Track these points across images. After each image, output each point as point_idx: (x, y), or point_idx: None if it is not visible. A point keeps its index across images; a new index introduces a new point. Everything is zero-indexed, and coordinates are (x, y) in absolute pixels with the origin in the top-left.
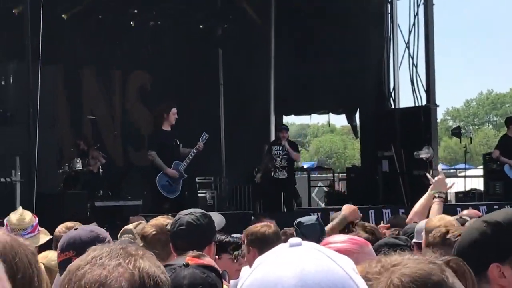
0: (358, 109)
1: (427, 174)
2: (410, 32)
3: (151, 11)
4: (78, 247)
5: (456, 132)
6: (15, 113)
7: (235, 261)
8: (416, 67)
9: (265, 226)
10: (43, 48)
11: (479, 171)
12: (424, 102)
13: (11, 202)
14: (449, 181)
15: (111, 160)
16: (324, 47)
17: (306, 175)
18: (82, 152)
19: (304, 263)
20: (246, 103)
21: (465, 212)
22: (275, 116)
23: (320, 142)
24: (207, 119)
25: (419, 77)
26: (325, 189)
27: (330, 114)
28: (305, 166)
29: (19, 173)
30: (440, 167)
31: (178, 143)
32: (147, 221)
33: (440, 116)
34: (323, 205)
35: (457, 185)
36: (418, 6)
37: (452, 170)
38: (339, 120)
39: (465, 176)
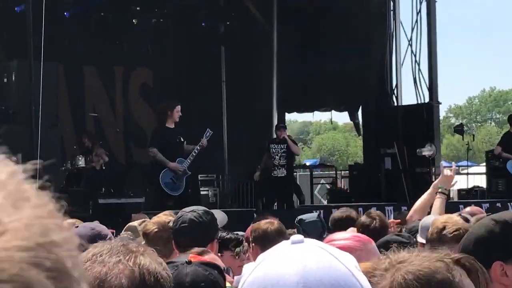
0: (361, 107)
1: (442, 163)
2: (412, 29)
3: (153, 8)
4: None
5: (459, 130)
6: (17, 110)
7: (236, 257)
8: (418, 64)
9: (268, 223)
10: (45, 45)
11: (482, 168)
12: (427, 100)
13: None
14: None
15: (113, 157)
16: (326, 44)
17: (309, 173)
18: (86, 149)
19: (306, 260)
20: (248, 101)
21: (467, 209)
22: (277, 113)
23: (323, 140)
24: (210, 116)
25: (422, 74)
26: (328, 186)
27: (333, 111)
28: (307, 164)
29: None
30: (454, 164)
31: (182, 140)
32: (150, 219)
33: (442, 113)
34: (325, 202)
35: (459, 182)
36: (420, 3)
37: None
38: (342, 118)
39: (467, 174)
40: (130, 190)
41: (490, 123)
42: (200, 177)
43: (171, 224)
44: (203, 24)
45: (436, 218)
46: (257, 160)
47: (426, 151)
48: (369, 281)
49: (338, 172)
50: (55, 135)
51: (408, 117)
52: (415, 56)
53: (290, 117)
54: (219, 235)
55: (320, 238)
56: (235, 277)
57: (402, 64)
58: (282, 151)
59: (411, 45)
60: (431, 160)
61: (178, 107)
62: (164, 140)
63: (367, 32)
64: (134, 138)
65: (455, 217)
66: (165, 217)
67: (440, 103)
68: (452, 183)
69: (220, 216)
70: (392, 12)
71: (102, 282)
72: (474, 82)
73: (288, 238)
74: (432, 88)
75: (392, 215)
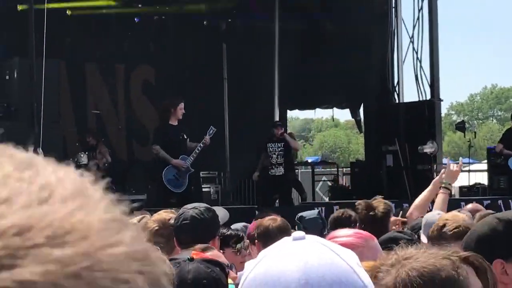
0: (362, 104)
1: (448, 159)
2: (414, 26)
3: (155, 5)
4: None
5: (460, 127)
6: (19, 108)
7: (238, 254)
8: (420, 61)
9: (270, 220)
10: (47, 43)
11: (483, 165)
12: (428, 97)
13: None
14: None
15: (115, 154)
16: (328, 41)
17: (310, 170)
18: (90, 147)
19: (307, 256)
20: (250, 98)
21: (468, 206)
22: (279, 110)
23: (324, 137)
24: (211, 113)
25: (423, 71)
26: (329, 183)
27: (334, 108)
28: (309, 161)
29: None
30: (461, 159)
31: (185, 137)
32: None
33: (444, 110)
34: (327, 199)
35: (461, 179)
36: (422, 0)
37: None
38: (343, 115)
39: (469, 171)
40: (132, 187)
41: (492, 120)
42: (202, 174)
43: (171, 221)
44: (204, 21)
45: (441, 216)
46: (257, 160)
47: (428, 148)
48: (375, 276)
49: (339, 169)
50: (57, 132)
51: (410, 114)
52: (416, 53)
53: (292, 114)
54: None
55: (321, 235)
56: (238, 273)
57: (403, 61)
58: (279, 149)
59: (412, 42)
60: (432, 157)
61: (182, 105)
62: (167, 137)
63: (369, 30)
64: (136, 136)
65: (460, 214)
66: (166, 214)
67: (442, 100)
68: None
69: (221, 213)
70: (393, 9)
71: None
72: (476, 79)
73: (290, 235)
74: (434, 85)
75: (393, 212)
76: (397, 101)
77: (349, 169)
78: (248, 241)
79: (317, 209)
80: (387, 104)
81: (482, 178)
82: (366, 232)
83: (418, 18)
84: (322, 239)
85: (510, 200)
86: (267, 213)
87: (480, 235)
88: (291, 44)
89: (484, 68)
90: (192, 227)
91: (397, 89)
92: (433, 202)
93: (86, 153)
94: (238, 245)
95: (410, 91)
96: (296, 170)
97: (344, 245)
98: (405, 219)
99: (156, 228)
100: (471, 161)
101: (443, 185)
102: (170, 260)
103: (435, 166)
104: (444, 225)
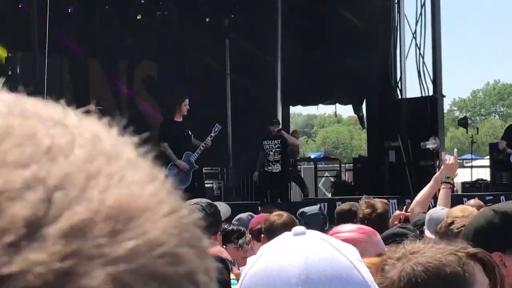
0: (365, 100)
1: (443, 153)
2: (417, 22)
3: (158, 1)
4: None
5: (463, 123)
6: None
7: (240, 249)
8: (423, 57)
9: (276, 215)
10: (49, 38)
11: (486, 161)
12: (431, 93)
13: None
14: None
15: None
16: (331, 37)
17: (313, 166)
18: None
19: (308, 252)
20: (253, 94)
21: (470, 202)
22: (281, 106)
23: (327, 133)
24: (214, 109)
25: (426, 67)
26: (332, 179)
27: (337, 104)
28: (311, 157)
29: None
30: (455, 150)
31: (190, 133)
32: None
33: (446, 106)
34: (329, 195)
35: (463, 175)
36: None
37: (458, 161)
38: (346, 111)
39: (471, 167)
40: None
41: (494, 116)
42: (205, 170)
43: None
44: (207, 17)
45: (451, 210)
46: (256, 158)
47: (430, 144)
48: (382, 268)
49: (342, 165)
50: None
51: (412, 110)
52: (419, 49)
53: (295, 110)
54: (221, 227)
55: (322, 230)
56: (240, 269)
57: (406, 57)
58: (276, 146)
59: (415, 38)
60: (435, 153)
61: (186, 100)
62: (172, 133)
63: (372, 25)
64: (139, 131)
65: (469, 208)
66: None
67: (444, 96)
68: (456, 172)
69: (223, 208)
70: (396, 5)
71: None
72: (478, 75)
73: None
74: (436, 81)
75: (396, 208)
76: (399, 97)
77: (351, 165)
78: (250, 236)
79: (319, 204)
80: (390, 100)
81: (485, 174)
82: (369, 227)
83: (420, 14)
84: (323, 234)
85: None
86: (270, 209)
87: (477, 228)
88: (294, 40)
89: (487, 64)
90: None
91: (399, 85)
92: (435, 197)
93: None
94: (240, 241)
95: (412, 87)
96: (299, 166)
97: (347, 240)
98: (408, 214)
99: None
100: (473, 157)
101: (443, 181)
102: None
103: (437, 162)
104: (452, 222)
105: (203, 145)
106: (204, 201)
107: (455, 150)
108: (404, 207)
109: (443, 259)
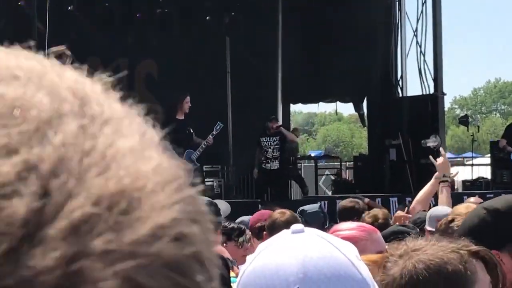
0: (366, 98)
1: (431, 157)
2: (418, 20)
3: None
4: None
5: (464, 121)
6: None
7: (240, 247)
8: (424, 55)
9: (279, 213)
10: (49, 37)
11: (487, 159)
12: (432, 91)
13: None
14: (456, 169)
15: None
16: (331, 35)
17: (313, 164)
18: None
19: (306, 250)
20: (253, 91)
21: (471, 199)
22: (282, 104)
23: (328, 131)
24: (214, 107)
25: (427, 65)
26: (332, 177)
27: (338, 102)
28: (312, 155)
29: None
30: (443, 152)
31: (191, 131)
32: None
33: (447, 104)
34: (330, 193)
35: (464, 173)
36: None
37: (459, 159)
38: (347, 109)
39: (472, 165)
40: None
41: (495, 114)
42: (205, 168)
43: None
44: (207, 15)
45: (456, 207)
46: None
47: (431, 142)
48: (384, 265)
49: (342, 163)
50: None
51: (413, 108)
52: (420, 47)
53: (295, 108)
54: (221, 226)
55: (322, 228)
56: (240, 267)
57: (407, 55)
58: (275, 143)
59: (416, 36)
60: (436, 151)
61: (188, 98)
62: (174, 131)
63: (373, 23)
64: None
65: (474, 206)
66: None
67: (445, 94)
68: (453, 174)
69: (223, 206)
70: (397, 2)
71: None
72: (479, 73)
73: None
74: (437, 79)
75: (396, 206)
76: (400, 95)
77: (352, 163)
78: (250, 233)
79: (319, 203)
80: (391, 98)
81: (485, 172)
82: (369, 225)
83: (422, 12)
84: (321, 232)
85: None
86: (271, 207)
87: (471, 227)
88: (295, 37)
89: (488, 62)
90: None
91: (400, 83)
92: (435, 196)
93: None
94: (241, 239)
95: (413, 85)
96: (299, 164)
97: (347, 238)
98: (409, 216)
99: None
100: (474, 155)
101: (441, 179)
102: None
103: (437, 160)
104: (453, 220)
105: (205, 143)
106: (204, 199)
107: (441, 149)
108: (406, 208)
109: (445, 257)
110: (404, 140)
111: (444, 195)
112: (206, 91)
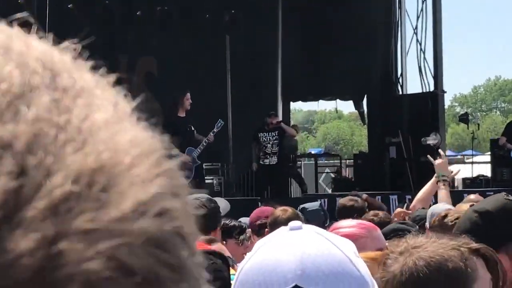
0: (366, 95)
1: (429, 156)
2: (418, 18)
3: None
4: None
5: (464, 119)
6: None
7: (240, 245)
8: (424, 53)
9: (281, 210)
10: (49, 35)
11: (487, 157)
12: (432, 88)
13: None
14: (456, 167)
15: None
16: (331, 33)
17: (313, 162)
18: None
19: (304, 246)
20: (253, 89)
21: (472, 197)
22: (282, 102)
23: (328, 129)
24: (214, 105)
25: (427, 63)
26: (332, 175)
27: (338, 100)
28: (312, 153)
29: None
30: (442, 153)
31: (193, 129)
32: None
33: (447, 102)
34: (330, 191)
35: (464, 171)
36: None
37: (459, 156)
38: (347, 107)
39: (472, 163)
40: None
41: (495, 112)
42: (205, 165)
43: None
44: (207, 13)
45: (459, 205)
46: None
47: (431, 140)
48: (384, 262)
49: (342, 161)
50: None
51: (413, 106)
52: (420, 44)
53: (295, 106)
54: (222, 223)
55: (322, 226)
56: (239, 265)
57: (407, 53)
58: (274, 138)
59: (416, 34)
60: (436, 149)
61: (188, 95)
62: (175, 129)
63: (373, 21)
64: None
65: (464, 206)
66: None
67: (445, 92)
68: (454, 172)
69: (223, 204)
70: (397, 0)
71: None
72: (480, 71)
73: None
74: (437, 77)
75: (396, 204)
76: (400, 92)
77: (352, 161)
78: (250, 230)
79: (319, 201)
80: (391, 96)
81: (486, 170)
82: (369, 222)
83: (422, 10)
84: (319, 229)
85: None
86: (271, 205)
87: (464, 231)
88: (295, 35)
89: (488, 59)
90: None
91: (400, 80)
92: (435, 195)
93: None
94: (241, 236)
95: (413, 83)
96: (299, 162)
97: (347, 235)
98: (410, 212)
99: None
100: (474, 153)
101: (440, 179)
102: None
103: (437, 158)
104: (446, 215)
105: (206, 140)
106: (204, 196)
107: (440, 151)
108: (406, 205)
109: (445, 254)
110: (404, 138)
111: (443, 193)
112: (206, 90)
